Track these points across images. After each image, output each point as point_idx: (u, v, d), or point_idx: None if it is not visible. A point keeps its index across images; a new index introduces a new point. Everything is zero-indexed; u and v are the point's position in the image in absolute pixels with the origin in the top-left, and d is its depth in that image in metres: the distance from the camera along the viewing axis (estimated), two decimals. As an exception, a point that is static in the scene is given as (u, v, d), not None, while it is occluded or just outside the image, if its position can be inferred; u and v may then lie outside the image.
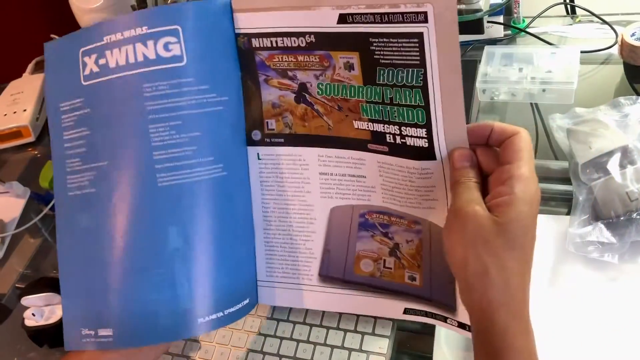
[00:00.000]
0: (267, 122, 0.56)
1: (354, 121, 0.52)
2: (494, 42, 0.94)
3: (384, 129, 0.51)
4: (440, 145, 0.48)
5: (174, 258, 0.53)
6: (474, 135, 0.48)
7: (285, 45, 0.52)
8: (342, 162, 0.55)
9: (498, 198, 0.44)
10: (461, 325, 0.53)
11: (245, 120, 0.56)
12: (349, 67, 0.50)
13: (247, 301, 0.58)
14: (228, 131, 0.55)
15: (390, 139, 0.51)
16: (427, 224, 0.53)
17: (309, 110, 0.54)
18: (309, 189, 0.56)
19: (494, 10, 0.81)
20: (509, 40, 0.95)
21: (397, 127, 0.50)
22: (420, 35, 0.46)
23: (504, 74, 0.84)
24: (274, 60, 0.53)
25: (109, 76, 0.53)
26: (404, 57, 0.47)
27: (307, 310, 0.67)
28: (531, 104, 0.86)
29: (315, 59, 0.51)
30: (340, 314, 0.65)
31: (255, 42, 0.53)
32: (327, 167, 0.55)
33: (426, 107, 0.48)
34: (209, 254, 0.54)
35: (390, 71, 0.48)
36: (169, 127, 0.52)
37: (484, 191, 0.47)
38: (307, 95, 0.53)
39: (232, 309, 0.56)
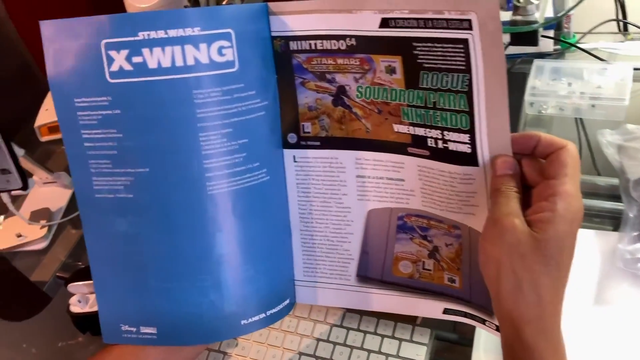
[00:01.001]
0: (303, 125, 0.56)
1: (393, 124, 0.52)
2: (542, 55, 0.93)
3: (425, 133, 0.51)
4: (484, 152, 0.48)
5: (220, 263, 0.53)
6: (519, 145, 0.47)
7: (325, 48, 0.52)
8: (380, 165, 0.54)
9: (539, 213, 0.43)
10: (498, 329, 0.52)
11: (281, 124, 0.56)
12: (391, 70, 0.50)
13: (287, 301, 0.58)
14: (269, 135, 0.55)
15: (431, 143, 0.51)
16: (467, 229, 0.52)
17: (346, 113, 0.54)
18: (345, 192, 0.56)
19: (548, 23, 0.81)
20: (558, 54, 0.94)
21: (440, 132, 0.50)
22: (465, 42, 0.45)
23: (552, 87, 0.83)
24: (312, 63, 0.53)
25: (147, 77, 0.49)
26: (449, 62, 0.47)
27: (344, 313, 0.67)
28: (576, 118, 0.85)
29: (355, 62, 0.51)
30: (379, 318, 0.66)
31: (292, 45, 0.53)
32: (364, 170, 0.55)
33: (470, 113, 0.47)
34: (252, 257, 0.54)
35: (435, 75, 0.48)
36: (220, 135, 0.51)
37: (526, 203, 0.46)
38: (345, 98, 0.53)
39: (273, 310, 0.56)
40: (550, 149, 0.46)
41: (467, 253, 0.53)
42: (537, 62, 0.86)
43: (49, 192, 0.93)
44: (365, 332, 0.65)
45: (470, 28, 0.45)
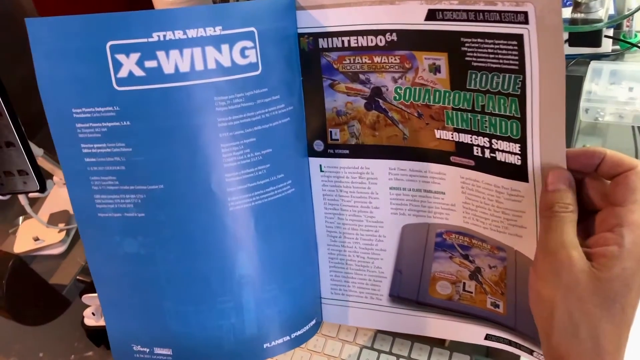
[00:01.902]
0: (331, 132, 0.52)
1: (435, 130, 0.48)
2: (600, 57, 0.87)
3: (471, 140, 0.46)
4: (535, 165, 0.43)
5: (242, 284, 0.50)
6: (580, 162, 0.42)
7: (360, 45, 0.48)
8: (418, 176, 0.50)
9: (602, 247, 0.38)
10: None
11: (307, 130, 0.52)
12: (435, 69, 0.46)
13: (313, 322, 0.55)
14: (294, 144, 0.51)
15: (477, 152, 0.46)
16: (513, 252, 0.48)
17: (381, 118, 0.50)
18: (377, 205, 0.52)
19: (614, 23, 0.74)
20: (616, 56, 0.88)
21: (487, 139, 0.45)
22: (520, 38, 0.41)
23: (611, 92, 0.78)
24: (344, 62, 0.49)
25: (163, 84, 0.44)
26: (501, 61, 0.42)
27: (376, 334, 0.63)
28: (633, 127, 0.79)
29: (395, 59, 0.47)
30: (413, 341, 0.61)
31: (322, 43, 0.49)
32: (399, 182, 0.51)
33: (522, 119, 0.43)
34: (276, 276, 0.51)
35: (484, 75, 0.44)
36: (242, 145, 0.47)
37: (586, 229, 0.41)
38: (380, 101, 0.49)
39: (298, 332, 0.54)
40: (616, 170, 0.40)
41: (512, 278, 0.49)
42: (593, 64, 0.81)
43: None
44: (398, 356, 0.61)
45: (526, 22, 0.40)
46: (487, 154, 0.45)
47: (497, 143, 0.45)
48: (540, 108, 0.42)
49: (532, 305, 0.41)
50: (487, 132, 0.45)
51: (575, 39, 0.74)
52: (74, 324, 0.74)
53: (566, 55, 0.87)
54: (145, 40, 0.43)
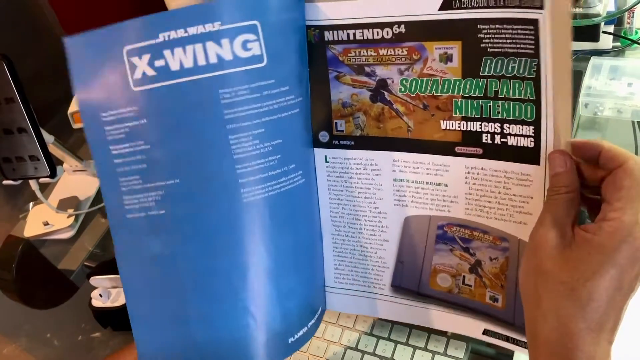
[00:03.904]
0: (336, 123, 0.52)
1: (441, 121, 0.48)
2: (600, 53, 0.87)
3: (480, 128, 0.47)
4: (547, 147, 0.44)
5: (263, 278, 0.50)
6: (581, 154, 0.43)
7: (365, 38, 0.48)
8: (421, 168, 0.51)
9: (584, 232, 0.39)
10: None
11: (312, 121, 0.53)
12: (446, 58, 0.46)
13: (320, 310, 0.56)
14: (303, 134, 0.52)
15: (487, 139, 0.47)
16: (516, 242, 0.48)
17: (386, 110, 0.50)
18: (380, 196, 0.53)
19: (612, 18, 0.75)
20: (617, 52, 0.88)
21: (499, 125, 0.46)
22: (535, 22, 0.42)
23: (610, 88, 0.78)
24: (350, 54, 0.50)
25: (171, 81, 0.46)
26: (518, 46, 0.43)
27: (375, 321, 0.64)
28: (633, 122, 0.79)
29: (402, 51, 0.48)
30: (411, 328, 0.62)
31: (328, 35, 0.50)
32: (402, 173, 0.52)
33: (537, 102, 0.44)
34: (292, 268, 0.52)
35: (500, 61, 0.44)
36: (251, 136, 0.47)
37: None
38: (385, 93, 0.50)
39: (312, 321, 0.54)
40: (610, 165, 0.40)
41: (513, 269, 0.50)
42: (594, 60, 0.81)
43: (79, 181, 0.92)
44: (396, 342, 0.62)
45: (541, 7, 0.41)
46: (498, 139, 0.46)
47: (509, 127, 0.45)
48: (554, 90, 0.42)
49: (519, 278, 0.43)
50: (499, 117, 0.46)
51: (573, 34, 0.75)
52: (81, 307, 0.75)
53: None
54: (153, 41, 0.46)
